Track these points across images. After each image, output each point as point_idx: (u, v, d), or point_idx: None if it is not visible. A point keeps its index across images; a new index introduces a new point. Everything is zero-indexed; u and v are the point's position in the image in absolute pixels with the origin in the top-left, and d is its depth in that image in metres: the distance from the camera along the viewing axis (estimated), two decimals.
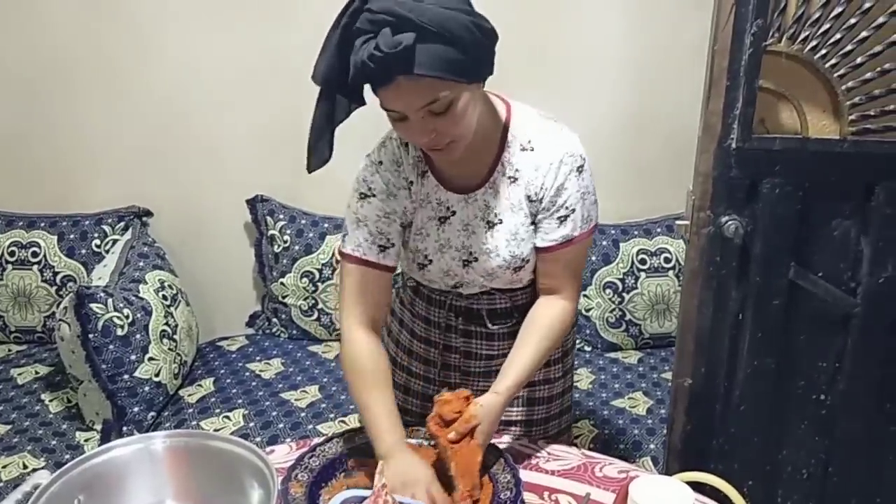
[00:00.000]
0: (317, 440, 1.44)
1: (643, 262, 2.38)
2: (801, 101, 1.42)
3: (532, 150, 1.29)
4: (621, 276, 2.37)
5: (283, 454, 1.44)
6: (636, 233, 2.42)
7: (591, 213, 1.34)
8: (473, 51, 1.10)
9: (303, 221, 2.46)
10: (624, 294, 2.38)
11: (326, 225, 2.45)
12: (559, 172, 1.28)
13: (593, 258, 2.39)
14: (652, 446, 1.98)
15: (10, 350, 2.44)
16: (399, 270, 1.47)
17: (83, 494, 1.11)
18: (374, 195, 1.32)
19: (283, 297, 2.47)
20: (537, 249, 1.36)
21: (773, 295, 1.46)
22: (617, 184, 2.42)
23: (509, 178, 1.31)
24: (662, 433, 2.01)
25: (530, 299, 1.43)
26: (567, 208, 1.30)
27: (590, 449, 1.97)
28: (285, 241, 2.44)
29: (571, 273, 1.39)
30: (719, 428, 1.56)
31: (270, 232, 2.46)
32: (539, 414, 1.54)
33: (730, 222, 1.42)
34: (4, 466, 1.90)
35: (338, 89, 1.16)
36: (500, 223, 1.33)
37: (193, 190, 2.54)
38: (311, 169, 1.22)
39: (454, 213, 1.34)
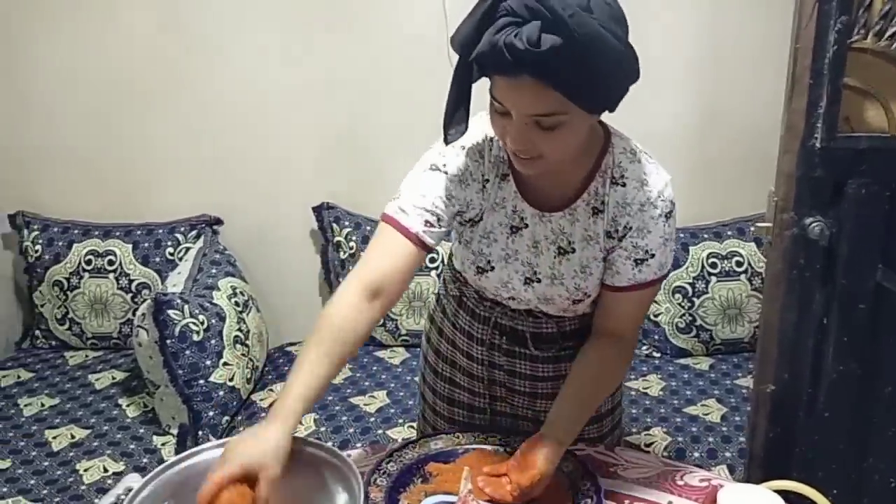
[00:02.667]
0: (393, 445, 1.45)
1: (714, 265, 2.34)
2: (888, 99, 1.37)
3: (623, 185, 1.22)
4: (691, 281, 2.33)
5: (359, 459, 1.45)
6: (706, 236, 2.38)
7: (667, 260, 1.28)
8: (611, 83, 1.04)
9: (368, 228, 2.48)
10: (694, 299, 2.34)
11: None
12: (647, 214, 1.21)
13: None
14: (728, 454, 1.94)
15: (87, 356, 2.51)
16: (439, 275, 1.40)
17: (172, 498, 1.13)
18: (445, 172, 1.24)
19: None
20: (605, 287, 1.29)
21: (859, 298, 1.42)
22: (686, 185, 2.37)
23: (593, 208, 1.24)
24: (738, 441, 1.97)
25: (578, 328, 1.39)
26: (647, 252, 1.24)
27: (664, 458, 1.95)
28: (351, 248, 2.46)
29: (637, 316, 1.34)
30: (803, 435, 1.52)
31: (336, 238, 2.49)
32: (591, 434, 1.50)
33: (814, 224, 1.38)
34: (87, 469, 1.95)
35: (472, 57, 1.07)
36: (572, 252, 1.27)
37: (261, 197, 2.58)
38: (447, 140, 1.16)
39: (526, 225, 1.27)
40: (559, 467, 1.29)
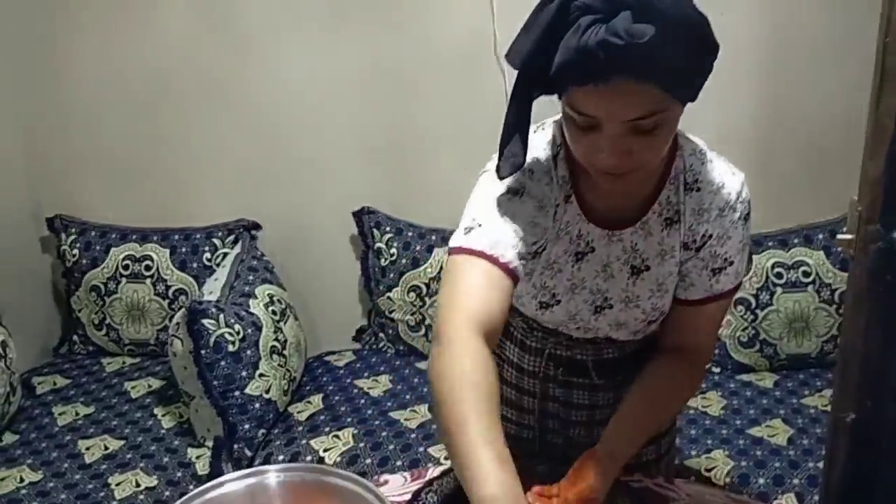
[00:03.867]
0: (432, 473, 1.35)
1: (779, 276, 2.18)
2: None
3: (697, 189, 1.10)
4: (755, 292, 2.18)
5: (397, 486, 1.35)
6: (770, 244, 2.22)
7: (743, 268, 1.17)
8: (704, 64, 0.94)
9: (409, 234, 2.38)
10: (758, 311, 2.18)
11: (434, 237, 2.36)
12: (727, 220, 1.11)
13: None
14: (796, 482, 1.79)
15: (124, 363, 2.46)
16: None
17: None
18: (529, 197, 1.08)
19: (390, 312, 2.39)
20: (676, 300, 1.18)
21: None
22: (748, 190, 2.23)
23: (666, 219, 1.12)
24: (807, 466, 1.82)
25: (640, 348, 1.27)
26: (726, 260, 1.13)
27: (726, 485, 1.81)
28: (392, 255, 2.37)
29: (712, 331, 1.22)
30: (888, 470, 1.37)
31: (377, 245, 2.39)
32: (649, 455, 1.37)
33: None
34: (118, 484, 1.89)
35: (537, 75, 0.95)
36: (647, 270, 1.15)
37: (300, 202, 2.50)
38: (502, 175, 1.05)
39: (593, 249, 1.15)
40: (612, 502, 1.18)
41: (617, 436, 1.15)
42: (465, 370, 0.95)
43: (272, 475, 1.11)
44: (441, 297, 1.04)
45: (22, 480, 1.88)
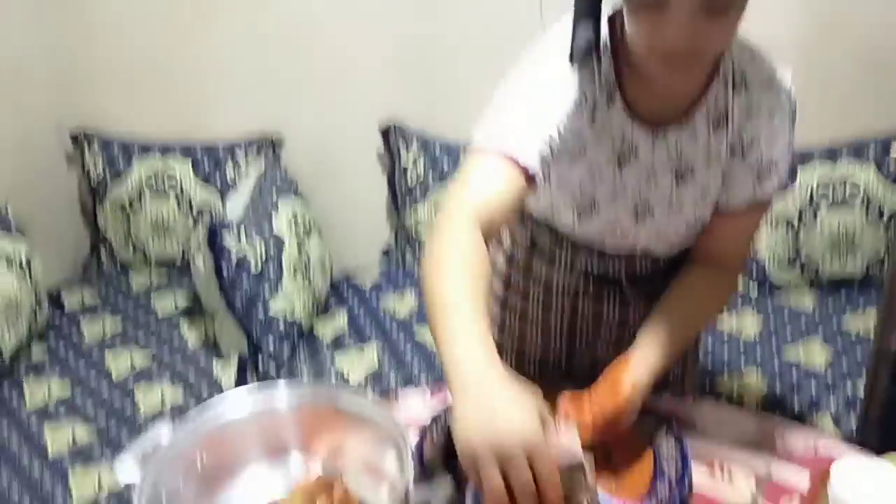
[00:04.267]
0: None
1: (824, 193, 2.06)
2: None
3: (746, 88, 1.02)
4: (798, 209, 2.07)
5: (417, 402, 1.31)
6: (816, 158, 2.09)
7: (786, 173, 1.09)
8: None
9: (437, 150, 2.29)
10: (800, 230, 2.08)
11: (462, 153, 2.27)
12: (776, 120, 1.03)
13: None
14: (832, 406, 1.73)
15: (151, 279, 2.46)
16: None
17: (205, 452, 1.03)
18: (567, 89, 1.01)
19: (417, 230, 2.33)
20: (716, 208, 1.12)
21: None
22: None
23: (713, 120, 1.04)
24: (845, 391, 1.76)
25: (673, 263, 1.20)
26: (772, 163, 1.05)
27: (759, 407, 1.76)
28: (419, 171, 2.29)
29: (746, 241, 1.16)
30: None
31: (403, 162, 2.32)
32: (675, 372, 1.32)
33: None
34: (146, 398, 1.90)
35: None
36: (691, 175, 1.08)
37: (325, 114, 2.41)
38: (573, 59, 0.99)
39: (636, 154, 1.07)
40: (640, 426, 1.13)
41: (650, 344, 1.10)
42: (465, 253, 0.92)
43: (283, 395, 1.07)
44: (449, 189, 1.01)
45: (50, 393, 1.90)
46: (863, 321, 1.99)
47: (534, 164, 0.99)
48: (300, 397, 1.07)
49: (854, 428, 1.66)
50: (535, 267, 1.28)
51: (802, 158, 2.10)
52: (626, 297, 1.25)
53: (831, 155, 2.10)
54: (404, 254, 2.41)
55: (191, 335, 2.15)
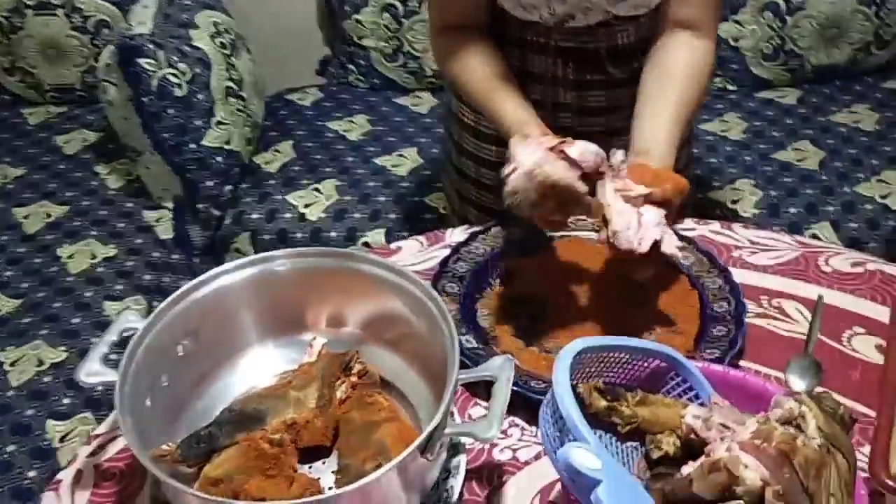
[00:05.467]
0: (451, 237, 1.14)
1: None
2: None
3: None
4: None
5: (414, 252, 1.13)
6: None
7: None
8: None
9: None
10: (787, 17, 1.90)
11: None
12: None
13: None
14: (830, 209, 1.64)
15: (49, 112, 2.10)
16: None
17: (188, 339, 0.83)
18: None
19: (360, 39, 2.03)
20: None
21: None
22: None
23: None
24: (842, 192, 1.66)
25: (656, 29, 1.07)
26: None
27: (756, 215, 1.65)
28: None
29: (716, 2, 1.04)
30: None
31: None
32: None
33: None
34: (71, 256, 1.63)
35: None
36: None
37: None
38: None
39: None
40: (673, 262, 0.99)
41: (654, 139, 0.97)
42: (483, 62, 1.09)
43: (279, 263, 0.86)
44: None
45: None
46: (851, 115, 1.88)
47: None
48: (301, 264, 0.86)
49: (853, 235, 1.59)
50: (511, 54, 1.13)
51: None
52: (610, 76, 1.14)
53: None
54: (346, 67, 2.11)
55: (109, 179, 1.86)
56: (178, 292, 0.82)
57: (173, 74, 1.63)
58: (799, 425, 0.60)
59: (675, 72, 1.02)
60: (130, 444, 0.67)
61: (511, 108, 1.03)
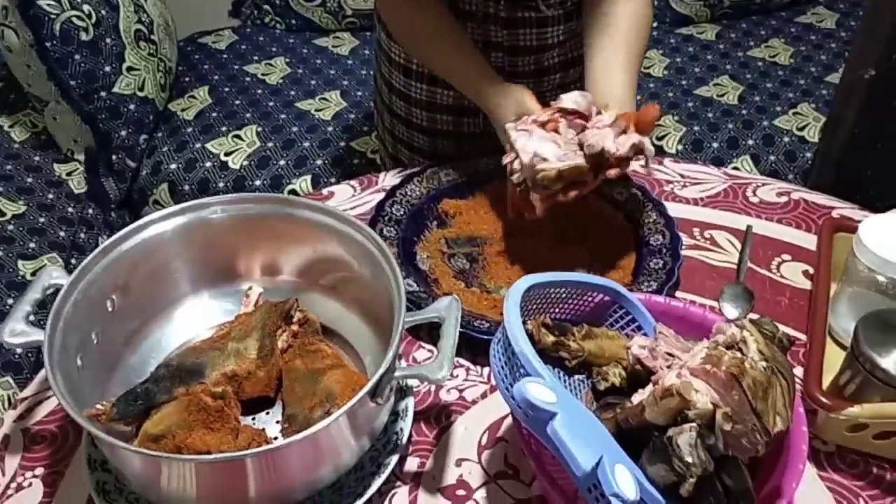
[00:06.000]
0: (384, 179, 1.12)
1: None
2: None
3: None
4: None
5: (346, 198, 1.11)
6: None
7: None
8: None
9: None
10: None
11: None
12: None
13: None
14: (751, 142, 1.68)
15: None
16: None
17: (117, 293, 0.79)
18: None
19: None
20: None
21: None
22: None
23: None
24: (761, 126, 1.70)
25: None
26: None
27: (680, 151, 1.68)
28: None
29: None
30: (891, 130, 1.24)
31: None
32: None
33: None
34: None
35: None
36: None
37: None
38: None
39: None
40: (612, 194, 1.02)
41: (602, 81, 0.97)
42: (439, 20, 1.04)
43: (211, 211, 0.83)
44: None
45: None
46: (767, 50, 1.92)
47: None
48: (234, 210, 0.83)
49: (773, 168, 1.63)
50: None
51: None
52: (542, 13, 1.12)
53: None
54: (261, 7, 2.03)
55: (13, 131, 1.74)
56: (105, 243, 0.78)
57: (77, 17, 1.53)
58: (741, 349, 0.61)
59: (619, 22, 1.00)
60: (64, 404, 0.64)
61: (487, 73, 1.01)
